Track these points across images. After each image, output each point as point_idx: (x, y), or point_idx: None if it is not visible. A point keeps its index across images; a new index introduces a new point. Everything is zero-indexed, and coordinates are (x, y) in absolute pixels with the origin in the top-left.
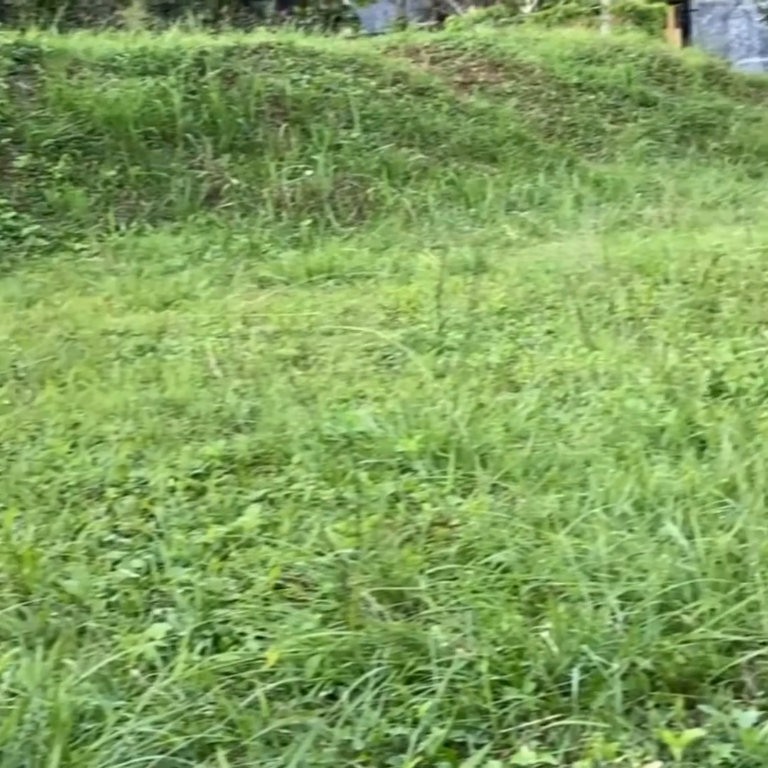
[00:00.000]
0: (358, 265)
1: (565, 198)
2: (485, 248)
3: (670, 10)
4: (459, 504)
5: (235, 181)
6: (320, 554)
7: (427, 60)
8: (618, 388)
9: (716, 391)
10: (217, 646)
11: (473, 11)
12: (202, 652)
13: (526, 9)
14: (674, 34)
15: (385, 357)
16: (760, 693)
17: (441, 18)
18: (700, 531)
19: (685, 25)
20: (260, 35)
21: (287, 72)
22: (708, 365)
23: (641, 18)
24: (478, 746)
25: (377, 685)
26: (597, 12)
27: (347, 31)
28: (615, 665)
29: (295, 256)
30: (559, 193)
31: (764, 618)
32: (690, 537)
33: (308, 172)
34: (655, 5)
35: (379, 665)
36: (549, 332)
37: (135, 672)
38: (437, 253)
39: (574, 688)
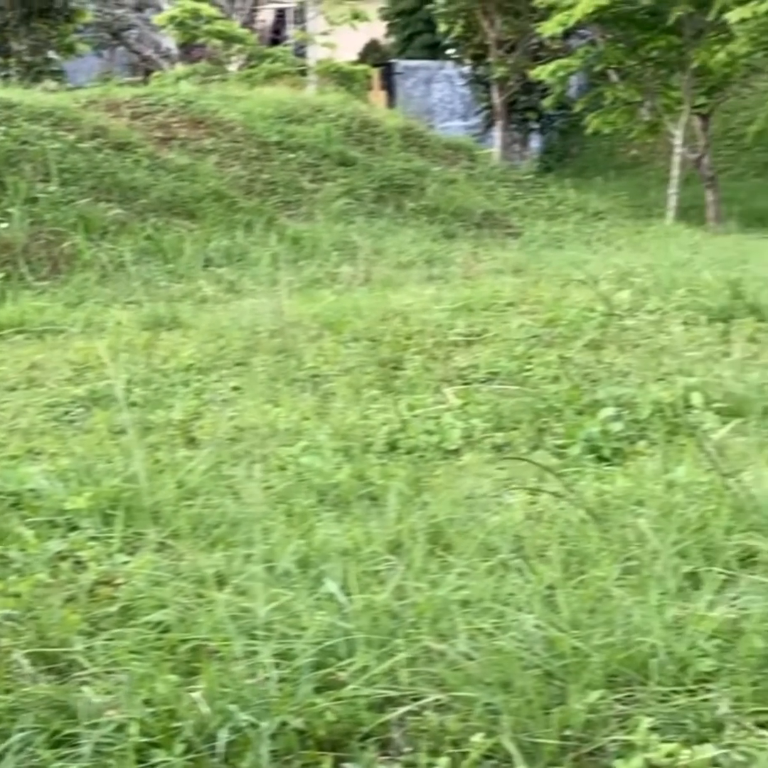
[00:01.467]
0: (50, 320)
1: (262, 255)
2: (181, 304)
3: (375, 73)
4: (125, 562)
5: None
6: None
7: (127, 115)
8: (296, 445)
9: (392, 447)
10: None
11: (179, 68)
12: None
13: (232, 67)
14: (379, 95)
15: (67, 413)
16: (408, 749)
17: (147, 74)
18: (360, 588)
19: (389, 88)
20: None
21: None
22: (386, 422)
23: (346, 79)
24: None
25: (21, 750)
26: (303, 72)
27: (50, 83)
28: (265, 724)
29: None
30: (257, 250)
31: (417, 674)
32: (350, 594)
33: (3, 225)
34: (360, 67)
35: (22, 731)
36: (235, 388)
37: None
38: (131, 308)
39: (220, 749)
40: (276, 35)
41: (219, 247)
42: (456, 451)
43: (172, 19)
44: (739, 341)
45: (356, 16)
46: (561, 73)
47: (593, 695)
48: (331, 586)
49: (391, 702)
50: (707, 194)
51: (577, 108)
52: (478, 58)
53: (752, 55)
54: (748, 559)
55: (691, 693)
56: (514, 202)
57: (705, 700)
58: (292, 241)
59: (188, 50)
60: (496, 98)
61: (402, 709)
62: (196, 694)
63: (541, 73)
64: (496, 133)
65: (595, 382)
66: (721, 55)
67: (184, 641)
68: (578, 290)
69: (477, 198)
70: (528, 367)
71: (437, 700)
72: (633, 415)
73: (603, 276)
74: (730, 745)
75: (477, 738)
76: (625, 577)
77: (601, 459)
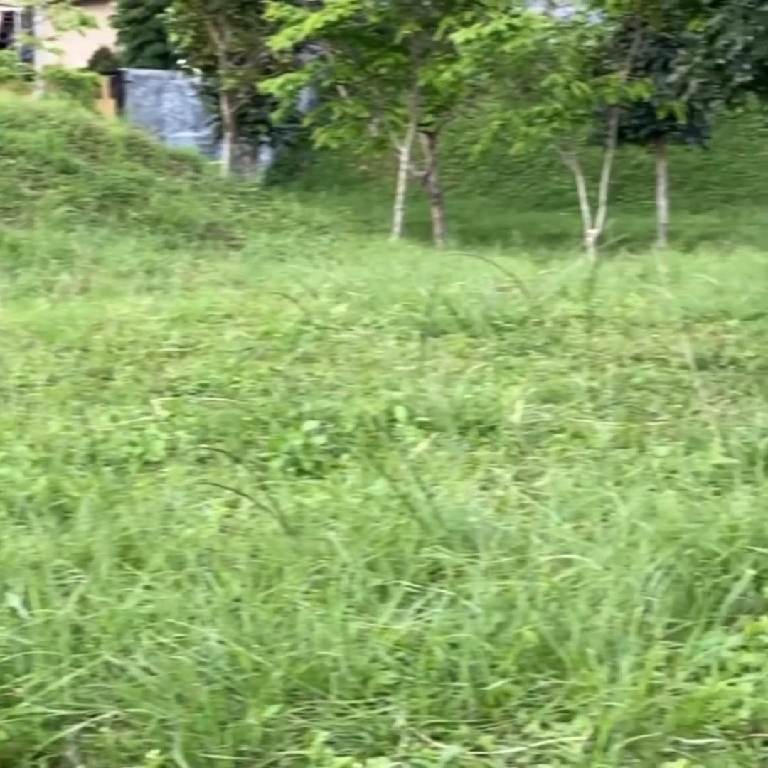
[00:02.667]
0: None
1: None
2: None
3: (104, 81)
4: None
5: None
6: None
7: None
8: None
9: (93, 459)
10: None
11: None
12: None
13: None
14: (108, 104)
15: None
16: (81, 767)
17: None
18: (43, 602)
19: (119, 96)
20: None
21: None
22: (88, 433)
23: (74, 86)
24: None
25: None
26: (29, 78)
27: None
28: None
29: None
30: None
31: (96, 689)
32: (31, 608)
33: None
34: (88, 74)
35: None
36: None
37: None
38: None
39: None
40: (2, 39)
41: None
42: (159, 463)
43: None
44: (447, 356)
45: (84, 22)
46: (289, 87)
47: (271, 710)
48: (12, 600)
49: (67, 719)
50: (433, 211)
51: (306, 122)
52: (209, 69)
53: (477, 75)
54: (436, 573)
55: (371, 706)
56: (238, 213)
57: (383, 712)
58: (9, 249)
59: None
60: (226, 110)
61: (77, 726)
62: None
63: (270, 86)
64: (226, 145)
65: (303, 395)
66: (447, 75)
67: None
68: (295, 303)
69: (201, 209)
70: (238, 379)
71: (115, 716)
72: (338, 428)
73: (321, 289)
74: (405, 758)
75: (152, 754)
76: (314, 591)
77: (302, 472)
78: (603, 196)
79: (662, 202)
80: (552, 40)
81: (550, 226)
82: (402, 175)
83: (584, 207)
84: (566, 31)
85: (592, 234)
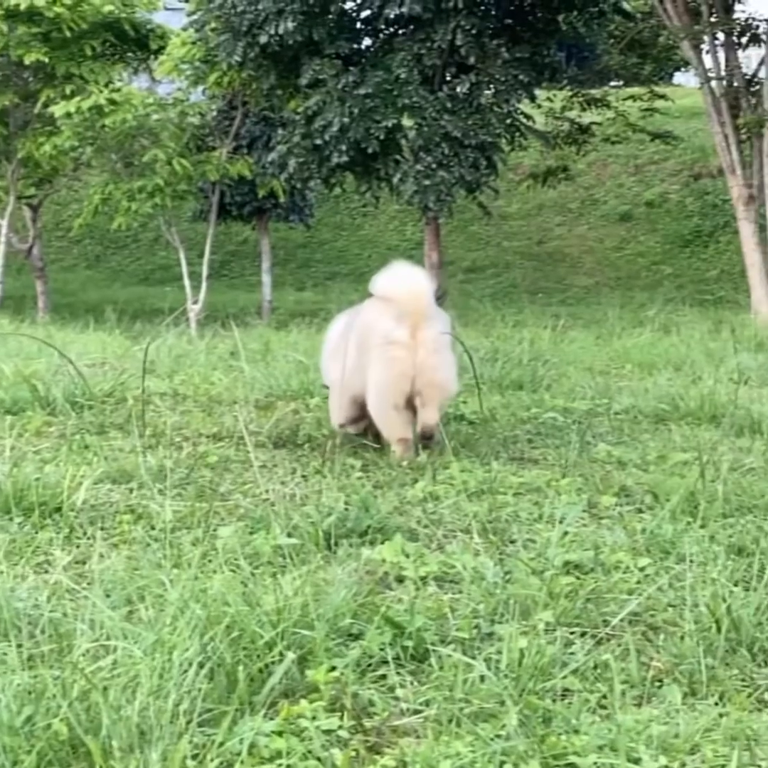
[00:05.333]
0: None
1: None
2: None
3: None
4: None
5: None
6: None
7: None
8: None
9: None
10: None
11: None
12: None
13: None
14: None
15: None
16: None
17: None
18: None
19: None
20: None
21: None
22: None
23: None
24: None
25: None
26: None
27: None
28: None
29: None
30: None
31: None
32: None
33: None
34: None
35: None
36: None
37: None
38: None
39: None
40: None
41: None
42: None
43: None
44: (25, 434)
45: None
46: None
47: None
48: None
49: None
50: (37, 285)
51: None
52: None
53: (78, 149)
54: None
55: None
56: None
57: None
58: None
59: None
60: None
61: None
62: None
63: None
64: None
65: None
66: (47, 148)
67: None
68: None
69: None
70: None
71: None
72: None
73: None
74: None
75: None
76: None
77: None
78: (205, 271)
79: (266, 279)
80: (154, 116)
81: (156, 300)
82: (1, 249)
83: (188, 282)
84: (167, 107)
85: (194, 309)
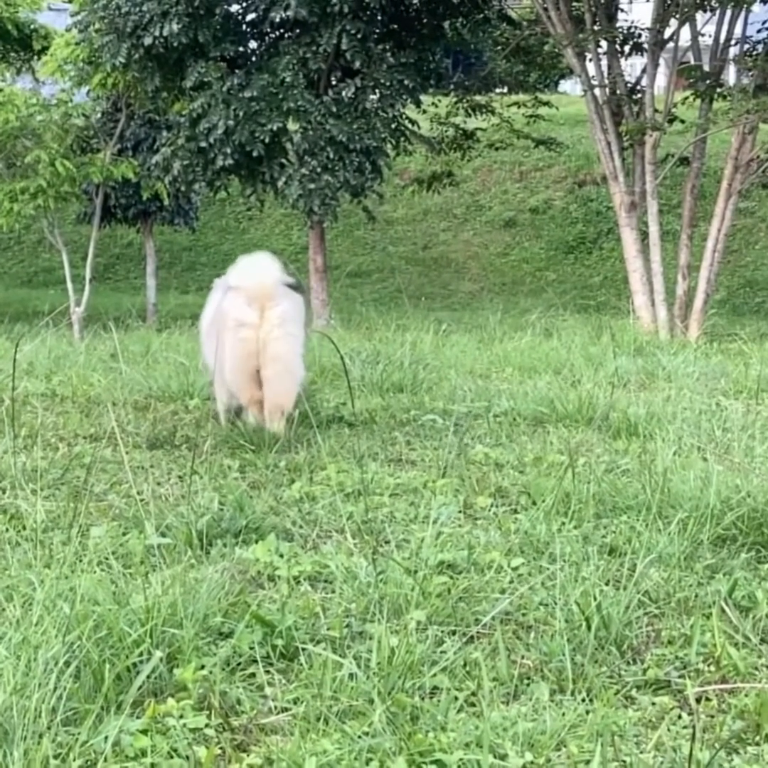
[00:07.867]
0: None
1: None
2: None
3: None
4: None
5: None
6: None
7: None
8: None
9: None
10: None
11: None
12: None
13: None
14: None
15: None
16: None
17: None
18: None
19: None
20: None
21: None
22: None
23: None
24: None
25: None
26: None
27: None
28: None
29: None
30: None
31: None
32: None
33: None
34: None
35: None
36: None
37: None
38: None
39: None
40: None
41: None
42: None
43: None
44: None
45: None
46: None
47: None
48: None
49: None
50: None
51: None
52: None
53: None
54: None
55: None
56: None
57: None
58: None
59: None
60: None
61: None
62: None
63: None
64: None
65: None
66: None
67: None
68: None
69: None
70: None
71: None
72: None
73: None
74: None
75: None
76: None
77: None
78: (88, 274)
79: (151, 282)
80: (37, 117)
81: (38, 303)
82: None
83: (71, 285)
84: (51, 108)
85: (77, 312)
